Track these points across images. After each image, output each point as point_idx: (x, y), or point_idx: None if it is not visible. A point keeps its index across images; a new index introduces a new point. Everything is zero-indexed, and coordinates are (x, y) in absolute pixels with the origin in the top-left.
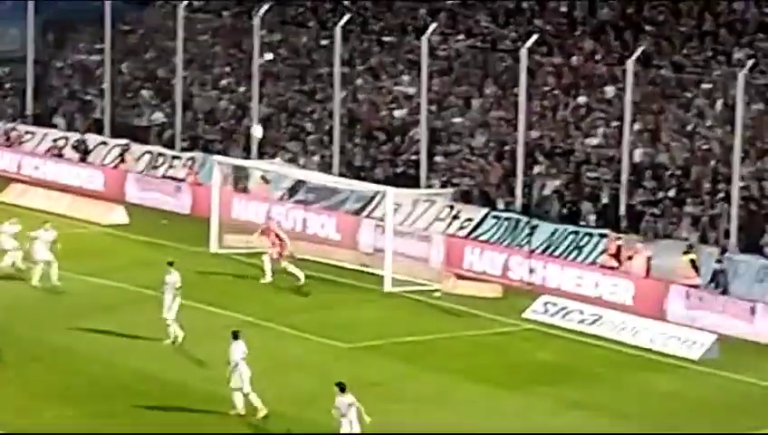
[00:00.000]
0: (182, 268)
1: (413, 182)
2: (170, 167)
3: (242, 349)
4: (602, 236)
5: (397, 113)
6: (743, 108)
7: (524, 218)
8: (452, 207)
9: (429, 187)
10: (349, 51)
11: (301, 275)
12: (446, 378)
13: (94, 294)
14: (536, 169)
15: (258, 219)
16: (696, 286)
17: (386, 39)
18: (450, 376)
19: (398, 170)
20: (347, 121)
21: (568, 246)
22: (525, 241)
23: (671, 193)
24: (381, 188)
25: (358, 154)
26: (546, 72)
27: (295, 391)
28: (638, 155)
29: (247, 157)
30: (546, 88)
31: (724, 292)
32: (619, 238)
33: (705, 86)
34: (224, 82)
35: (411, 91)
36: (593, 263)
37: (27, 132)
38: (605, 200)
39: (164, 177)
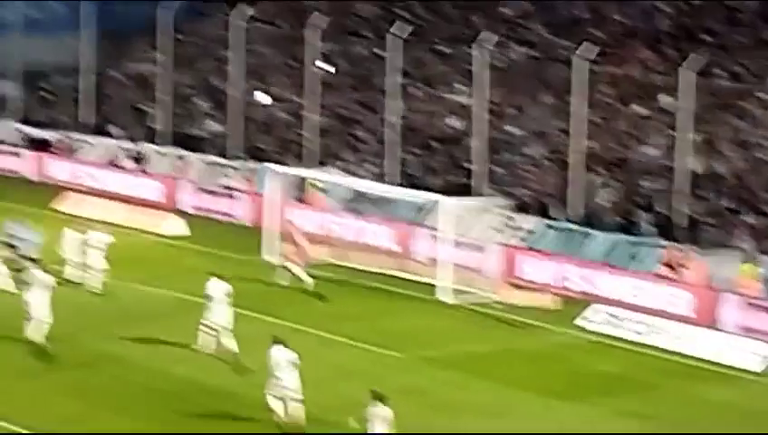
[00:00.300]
0: (237, 277)
1: (469, 192)
2: (226, 176)
3: (284, 355)
4: (659, 246)
5: (453, 123)
6: None
7: (580, 228)
8: (508, 217)
9: (485, 196)
10: (405, 60)
11: (308, 280)
12: (502, 388)
13: (148, 303)
14: (592, 179)
15: (315, 229)
16: (754, 296)
17: (443, 49)
18: (507, 386)
19: (455, 180)
20: (403, 131)
21: (624, 256)
22: (581, 251)
23: (728, 203)
24: (437, 197)
25: (414, 164)
26: (603, 81)
27: (347, 400)
28: (694, 164)
29: (303, 166)
30: (603, 97)
31: None
32: (676, 248)
33: (762, 95)
34: (280, 91)
35: (467, 100)
36: (650, 273)
37: (84, 142)
38: (662, 210)
39: (220, 186)
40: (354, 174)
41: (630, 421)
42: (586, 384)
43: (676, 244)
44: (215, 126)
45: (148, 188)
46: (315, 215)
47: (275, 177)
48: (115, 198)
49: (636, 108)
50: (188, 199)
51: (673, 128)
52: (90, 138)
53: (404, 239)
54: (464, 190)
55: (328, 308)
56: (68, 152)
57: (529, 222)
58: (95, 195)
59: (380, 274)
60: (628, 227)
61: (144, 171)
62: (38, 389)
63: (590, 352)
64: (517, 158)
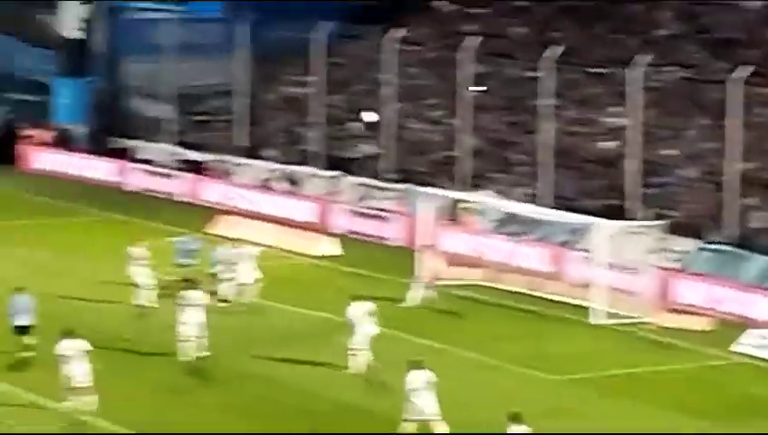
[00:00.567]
0: (388, 298)
1: (623, 214)
2: (379, 198)
3: (421, 377)
4: None
5: (607, 145)
6: None
7: (736, 251)
8: (662, 239)
9: (640, 219)
10: (558, 82)
11: (412, 302)
12: (655, 411)
13: (299, 324)
14: (748, 201)
15: (468, 251)
16: None
17: (596, 70)
18: (660, 409)
19: (609, 202)
20: (556, 153)
21: None
22: (736, 273)
23: None
24: (591, 220)
25: (567, 186)
26: (758, 101)
27: (497, 423)
28: None
29: (456, 188)
30: (759, 118)
31: None
32: None
33: None
34: (433, 113)
35: (621, 122)
36: None
37: (238, 164)
38: None
39: (373, 208)
40: (507, 196)
41: None
42: (741, 408)
43: None
44: (367, 148)
45: (301, 210)
46: (467, 236)
47: (428, 198)
48: (268, 220)
49: None
50: (341, 221)
51: None
52: (243, 160)
53: (557, 261)
54: (617, 212)
55: (479, 330)
56: (222, 174)
57: (683, 244)
58: (249, 217)
59: (532, 295)
60: None
61: (298, 193)
62: (188, 405)
63: (745, 376)
64: (671, 179)
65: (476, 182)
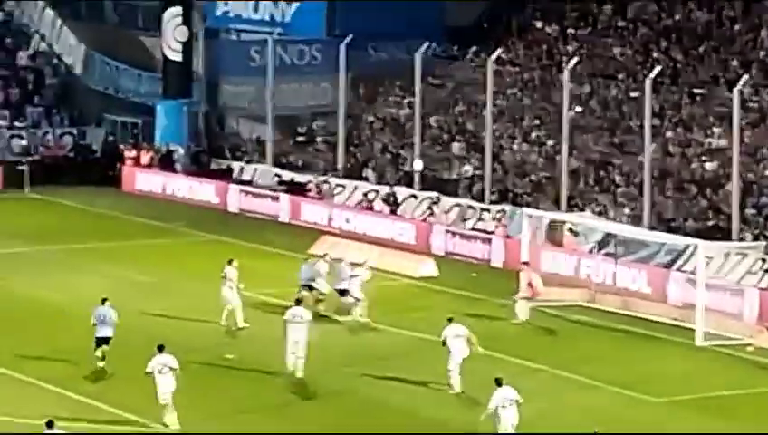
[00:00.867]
0: (487, 321)
1: (724, 235)
2: (479, 219)
3: (503, 395)
4: None
5: (708, 166)
6: None
7: None
8: (765, 260)
9: (741, 239)
10: (659, 103)
11: (523, 317)
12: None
13: (398, 344)
14: None
15: (568, 272)
16: None
17: (697, 91)
18: (762, 432)
19: (710, 223)
20: (657, 174)
21: None
22: None
23: None
24: (692, 241)
25: (669, 207)
26: None
27: None
28: None
29: (556, 209)
30: None
31: None
32: None
33: None
34: (533, 134)
35: (722, 143)
36: None
37: (338, 185)
38: None
39: (473, 229)
40: (607, 216)
41: None
42: None
43: None
44: (467, 169)
45: (403, 232)
46: (568, 257)
47: (529, 219)
48: (368, 240)
49: None
50: (439, 242)
51: None
52: (344, 181)
53: (657, 282)
54: (719, 233)
55: (578, 351)
56: (323, 196)
57: None
58: (350, 238)
59: (633, 317)
60: None
61: (398, 214)
62: (286, 419)
63: None
64: None
65: (576, 203)
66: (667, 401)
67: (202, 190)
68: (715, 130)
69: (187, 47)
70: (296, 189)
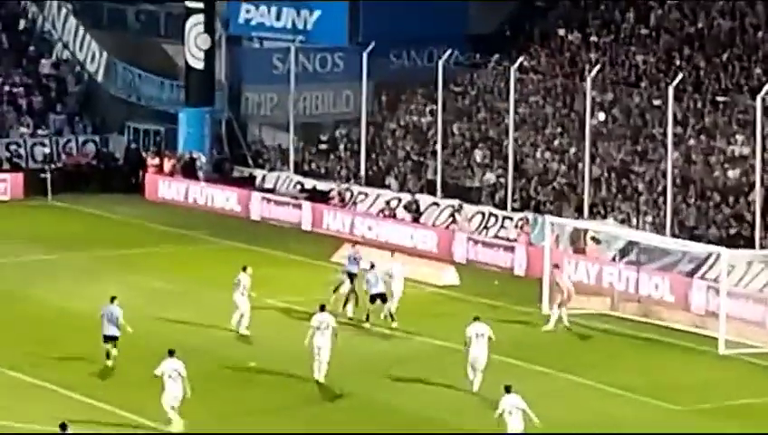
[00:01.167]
0: (512, 328)
1: (748, 243)
2: (502, 227)
3: (510, 402)
4: None
5: (731, 174)
6: None
7: None
8: None
9: (765, 248)
10: (682, 110)
11: (551, 325)
12: None
13: (419, 352)
14: None
15: (590, 280)
16: None
17: (720, 99)
18: None
19: (733, 231)
20: (680, 182)
21: None
22: None
23: None
24: (715, 249)
25: (691, 215)
26: None
27: None
28: None
29: (579, 217)
30: None
31: None
32: None
33: None
34: (555, 142)
35: (745, 151)
36: None
37: (361, 193)
38: None
39: (495, 237)
40: (629, 224)
41: None
42: None
43: None
44: (490, 177)
45: (425, 239)
46: (591, 266)
47: (551, 227)
48: (391, 248)
49: None
50: (463, 250)
51: None
52: (367, 189)
53: (680, 290)
54: (741, 241)
55: (600, 358)
56: (346, 203)
57: None
58: (372, 246)
59: (655, 325)
60: None
61: (420, 222)
62: (310, 423)
63: None
64: None
65: (599, 211)
66: (690, 409)
67: (225, 198)
68: (738, 137)
69: (210, 55)
70: (318, 197)
